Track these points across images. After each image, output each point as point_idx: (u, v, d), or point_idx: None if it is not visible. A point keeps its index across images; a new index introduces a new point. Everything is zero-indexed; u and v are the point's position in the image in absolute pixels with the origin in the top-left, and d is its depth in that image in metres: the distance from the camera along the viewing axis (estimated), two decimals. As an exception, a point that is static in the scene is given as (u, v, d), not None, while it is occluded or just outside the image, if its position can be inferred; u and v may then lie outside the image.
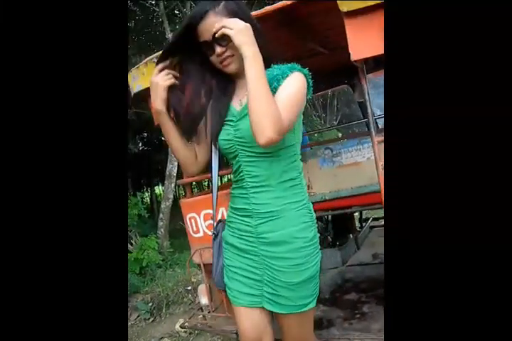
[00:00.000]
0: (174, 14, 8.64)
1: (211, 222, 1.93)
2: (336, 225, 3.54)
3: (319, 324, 2.17)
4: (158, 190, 16.85)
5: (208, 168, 1.37)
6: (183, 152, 1.26)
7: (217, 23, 1.08)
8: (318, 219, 3.27)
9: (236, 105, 1.21)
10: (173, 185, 6.29)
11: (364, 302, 2.33)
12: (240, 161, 1.20)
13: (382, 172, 1.46)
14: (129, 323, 3.93)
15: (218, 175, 1.39)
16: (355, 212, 3.57)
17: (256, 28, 1.11)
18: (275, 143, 1.06)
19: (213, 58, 1.15)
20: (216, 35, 1.09)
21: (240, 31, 1.05)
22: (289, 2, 1.65)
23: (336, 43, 2.34)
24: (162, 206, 6.24)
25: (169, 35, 6.78)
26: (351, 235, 3.55)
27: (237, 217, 1.25)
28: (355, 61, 1.43)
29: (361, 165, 2.51)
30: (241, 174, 1.20)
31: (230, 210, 1.30)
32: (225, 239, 1.31)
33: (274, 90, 1.10)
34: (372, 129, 1.55)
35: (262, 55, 1.09)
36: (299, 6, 1.68)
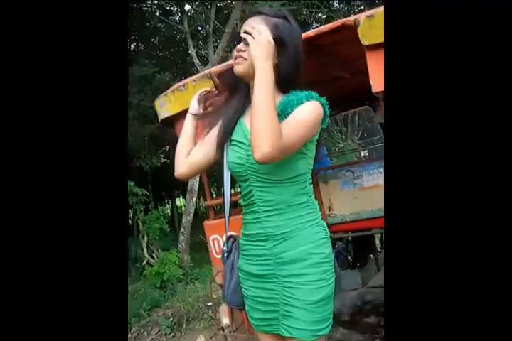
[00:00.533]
0: (197, 31, 8.82)
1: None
2: (357, 246, 3.53)
3: (339, 347, 2.17)
4: (179, 201, 17.00)
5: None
6: (186, 148, 1.31)
7: (253, 25, 1.13)
8: (339, 239, 3.30)
9: (248, 124, 1.19)
10: (194, 199, 6.37)
11: (384, 326, 2.31)
12: (250, 186, 1.20)
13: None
14: (150, 338, 3.96)
15: (231, 200, 1.39)
16: (375, 234, 3.56)
17: (294, 49, 1.16)
18: (271, 160, 1.05)
19: (234, 52, 1.19)
20: (242, 36, 1.14)
21: (258, 45, 1.09)
22: (311, 34, 1.71)
23: (357, 68, 2.38)
24: (183, 220, 6.31)
25: (192, 52, 6.92)
26: (372, 256, 3.54)
27: (251, 243, 1.24)
28: (376, 92, 1.47)
29: (382, 188, 2.51)
30: (252, 198, 1.21)
31: (243, 238, 1.29)
32: (241, 269, 1.30)
33: (286, 116, 1.12)
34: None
35: (285, 77, 1.15)
36: (322, 36, 1.73)
